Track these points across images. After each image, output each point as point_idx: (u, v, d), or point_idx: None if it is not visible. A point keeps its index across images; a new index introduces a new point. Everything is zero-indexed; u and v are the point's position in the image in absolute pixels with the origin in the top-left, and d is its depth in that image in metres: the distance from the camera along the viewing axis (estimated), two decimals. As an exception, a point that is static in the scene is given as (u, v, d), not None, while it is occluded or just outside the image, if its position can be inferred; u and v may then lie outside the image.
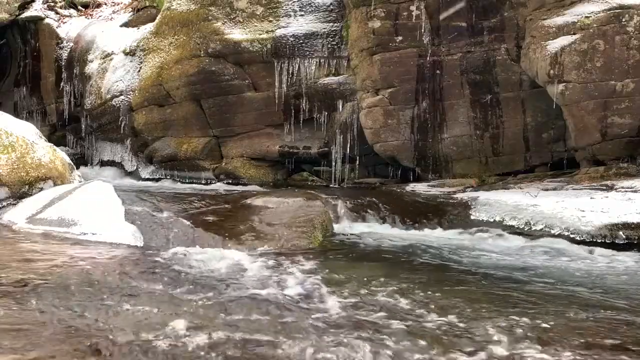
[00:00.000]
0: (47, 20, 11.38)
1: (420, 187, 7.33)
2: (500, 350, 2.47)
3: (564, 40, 6.67)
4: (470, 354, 2.45)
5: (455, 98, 7.73)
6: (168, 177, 9.55)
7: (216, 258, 4.08)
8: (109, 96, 9.88)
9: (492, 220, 5.65)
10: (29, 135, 5.55)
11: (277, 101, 8.80)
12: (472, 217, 5.81)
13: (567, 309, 3.06)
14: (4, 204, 5.05)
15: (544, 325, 2.77)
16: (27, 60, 11.66)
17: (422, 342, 2.54)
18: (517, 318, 2.86)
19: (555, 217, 5.28)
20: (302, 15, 8.83)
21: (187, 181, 9.28)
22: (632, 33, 6.43)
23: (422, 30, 7.74)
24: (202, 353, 2.33)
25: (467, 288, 3.55)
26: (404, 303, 3.12)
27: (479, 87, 7.61)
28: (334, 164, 8.54)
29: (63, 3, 11.89)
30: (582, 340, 2.58)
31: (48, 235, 4.33)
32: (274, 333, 2.58)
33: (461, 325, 2.79)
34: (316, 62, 8.64)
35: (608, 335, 2.69)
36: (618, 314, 3.05)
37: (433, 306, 3.06)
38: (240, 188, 8.04)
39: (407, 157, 7.96)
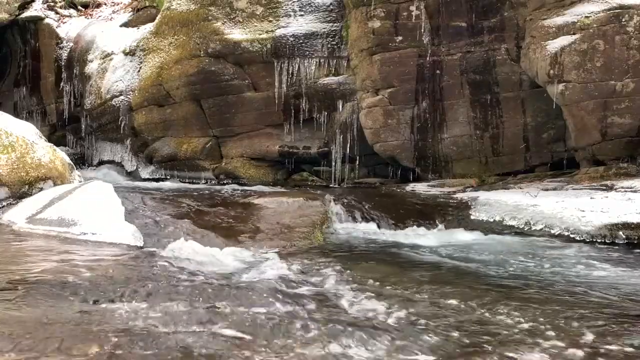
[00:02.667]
0: (47, 20, 11.37)
1: (420, 187, 7.33)
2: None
3: (564, 40, 6.67)
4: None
5: (455, 98, 7.73)
6: (168, 177, 9.54)
7: (216, 258, 4.08)
8: (109, 96, 9.88)
9: (492, 220, 5.65)
10: (29, 135, 5.55)
11: (277, 101, 8.80)
12: (472, 217, 5.81)
13: None
14: (4, 204, 5.05)
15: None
16: (27, 60, 11.66)
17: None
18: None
19: (555, 217, 5.28)
20: (302, 15, 8.83)
21: (187, 181, 9.28)
22: (632, 33, 6.43)
23: (422, 30, 7.74)
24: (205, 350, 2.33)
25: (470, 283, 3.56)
26: (412, 301, 3.12)
27: (479, 87, 7.61)
28: (334, 164, 8.54)
29: (63, 3, 11.88)
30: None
31: (48, 235, 4.33)
32: (276, 331, 2.58)
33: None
34: (316, 62, 8.64)
35: None
36: None
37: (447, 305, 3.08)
38: (240, 188, 8.03)
39: (407, 157, 7.96)
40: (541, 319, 2.87)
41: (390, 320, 2.81)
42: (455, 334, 2.65)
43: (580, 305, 3.16)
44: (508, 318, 2.90)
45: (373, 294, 3.25)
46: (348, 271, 3.79)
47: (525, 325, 2.79)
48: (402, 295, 3.28)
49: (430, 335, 2.62)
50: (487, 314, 2.97)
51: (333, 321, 2.74)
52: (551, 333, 2.68)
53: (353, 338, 2.54)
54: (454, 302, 3.15)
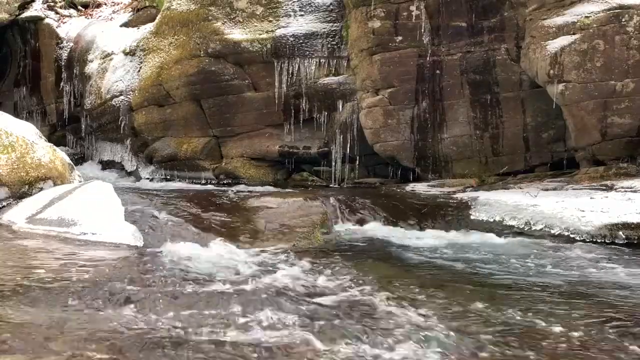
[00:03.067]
0: (47, 20, 11.37)
1: (420, 187, 7.32)
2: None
3: (563, 40, 6.67)
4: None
5: (455, 98, 7.73)
6: (168, 177, 9.54)
7: (216, 258, 4.08)
8: (109, 96, 9.88)
9: (492, 220, 5.65)
10: (29, 135, 5.54)
11: (277, 101, 8.80)
12: (472, 217, 5.81)
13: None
14: (4, 204, 5.04)
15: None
16: (27, 60, 11.66)
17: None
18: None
19: (555, 217, 5.28)
20: (302, 15, 8.83)
21: (187, 181, 9.28)
22: (632, 33, 6.43)
23: (422, 30, 7.74)
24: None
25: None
26: (438, 305, 3.11)
27: (479, 87, 7.61)
28: (334, 164, 8.54)
29: (63, 3, 11.88)
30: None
31: (48, 235, 4.32)
32: (276, 330, 2.58)
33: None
34: (316, 62, 8.63)
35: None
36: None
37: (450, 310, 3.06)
38: (240, 188, 8.03)
39: (407, 157, 7.96)
40: (581, 326, 2.79)
41: (436, 328, 2.70)
42: (524, 352, 2.48)
43: (609, 307, 3.12)
44: (550, 326, 2.78)
45: (391, 297, 3.19)
46: (355, 272, 3.76)
47: (575, 335, 2.69)
48: (421, 298, 3.21)
49: (489, 347, 2.51)
50: (524, 320, 2.85)
51: (370, 330, 2.64)
52: (603, 345, 2.59)
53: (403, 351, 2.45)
54: (479, 305, 3.07)
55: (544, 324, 2.84)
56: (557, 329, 2.77)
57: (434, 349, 2.46)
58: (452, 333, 2.63)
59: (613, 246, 4.83)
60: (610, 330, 2.78)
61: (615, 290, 3.53)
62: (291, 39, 8.67)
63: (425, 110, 7.81)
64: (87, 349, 2.29)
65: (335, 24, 8.70)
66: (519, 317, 2.93)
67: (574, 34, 6.64)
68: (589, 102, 6.57)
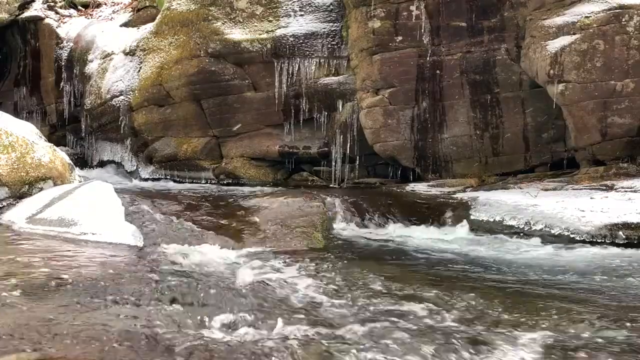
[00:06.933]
0: (47, 20, 11.37)
1: (420, 187, 7.32)
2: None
3: (564, 40, 6.67)
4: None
5: (455, 98, 7.73)
6: (168, 177, 9.54)
7: (216, 258, 4.09)
8: (109, 96, 9.87)
9: (492, 220, 5.65)
10: (29, 135, 5.54)
11: (277, 101, 8.80)
12: (472, 217, 5.81)
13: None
14: (4, 204, 5.04)
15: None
16: (27, 60, 11.65)
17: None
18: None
19: (555, 217, 5.28)
20: (302, 15, 8.83)
21: (187, 181, 9.28)
22: (632, 33, 6.43)
23: (422, 30, 7.74)
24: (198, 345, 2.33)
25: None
26: (403, 302, 3.11)
27: (479, 87, 7.61)
28: (333, 164, 8.54)
29: (63, 3, 11.88)
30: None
31: (48, 235, 4.32)
32: (269, 330, 2.58)
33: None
34: (316, 62, 8.63)
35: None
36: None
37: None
38: (240, 188, 8.03)
39: (407, 157, 7.96)
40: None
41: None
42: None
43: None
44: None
45: (404, 301, 3.14)
46: (354, 273, 3.75)
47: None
48: (433, 300, 3.17)
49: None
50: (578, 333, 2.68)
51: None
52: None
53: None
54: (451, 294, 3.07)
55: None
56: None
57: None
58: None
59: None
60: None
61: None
62: (291, 39, 8.67)
63: (425, 110, 7.81)
64: (87, 346, 2.29)
65: (335, 24, 8.70)
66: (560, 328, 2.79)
67: (574, 34, 6.64)
68: (589, 102, 6.58)
